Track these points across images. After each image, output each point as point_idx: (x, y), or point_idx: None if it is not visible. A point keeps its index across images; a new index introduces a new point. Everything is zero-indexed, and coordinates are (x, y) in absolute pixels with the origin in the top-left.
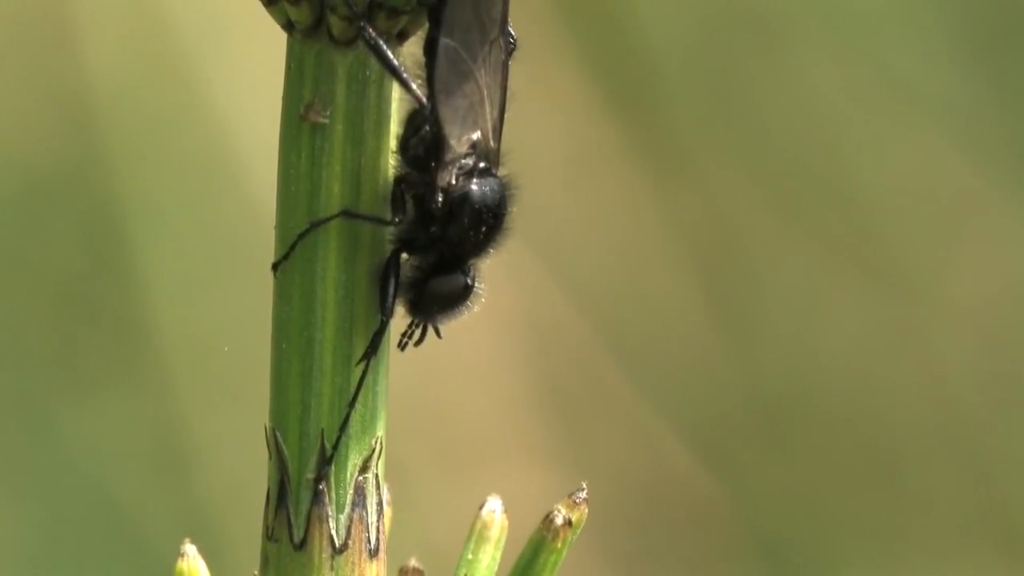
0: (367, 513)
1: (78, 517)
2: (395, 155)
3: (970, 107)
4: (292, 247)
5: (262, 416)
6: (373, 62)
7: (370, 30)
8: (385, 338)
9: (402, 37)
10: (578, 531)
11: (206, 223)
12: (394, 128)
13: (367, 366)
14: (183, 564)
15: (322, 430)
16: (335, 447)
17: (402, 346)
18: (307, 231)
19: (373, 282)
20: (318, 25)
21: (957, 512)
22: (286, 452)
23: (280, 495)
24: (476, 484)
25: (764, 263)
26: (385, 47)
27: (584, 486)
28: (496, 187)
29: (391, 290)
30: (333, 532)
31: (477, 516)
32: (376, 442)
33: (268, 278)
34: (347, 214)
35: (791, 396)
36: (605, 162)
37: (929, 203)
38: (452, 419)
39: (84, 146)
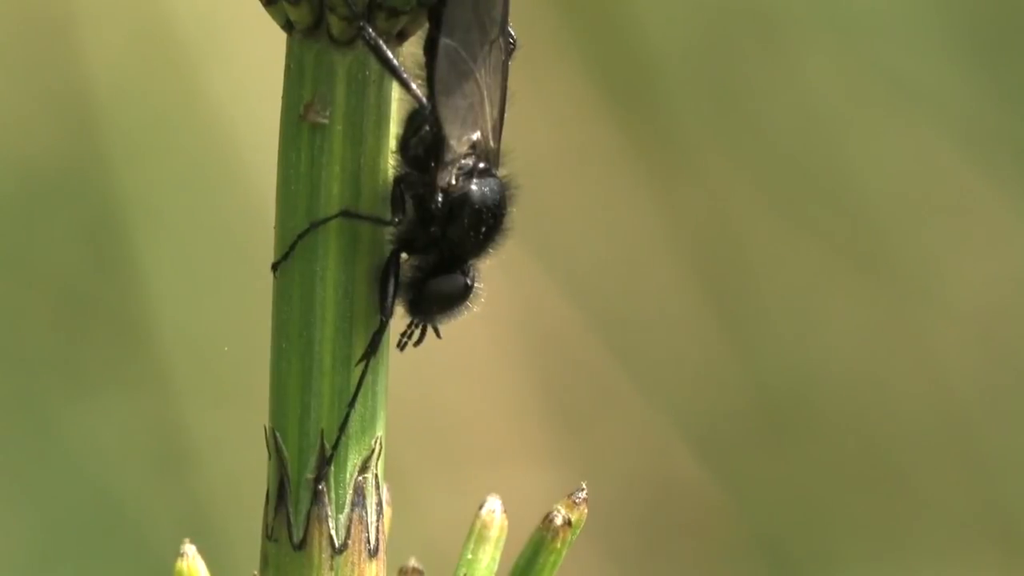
0: (367, 513)
1: (78, 517)
2: (395, 155)
3: (970, 107)
4: (292, 247)
5: (262, 416)
6: (373, 62)
7: (370, 30)
8: (385, 338)
9: (402, 37)
10: (578, 531)
11: (206, 223)
12: (394, 128)
13: (366, 366)
14: (183, 564)
15: (322, 430)
16: (335, 447)
17: (401, 346)
18: (307, 231)
19: (373, 282)
20: (318, 25)
21: (957, 512)
22: (286, 452)
23: (280, 495)
24: (476, 484)
25: (764, 262)
26: (385, 47)
27: (584, 486)
28: (496, 187)
29: (391, 290)
30: (333, 532)
31: (477, 516)
32: (376, 442)
33: (268, 278)
34: (347, 214)
35: (791, 395)
36: (605, 162)
37: (929, 202)
38: (452, 419)
39: (84, 146)
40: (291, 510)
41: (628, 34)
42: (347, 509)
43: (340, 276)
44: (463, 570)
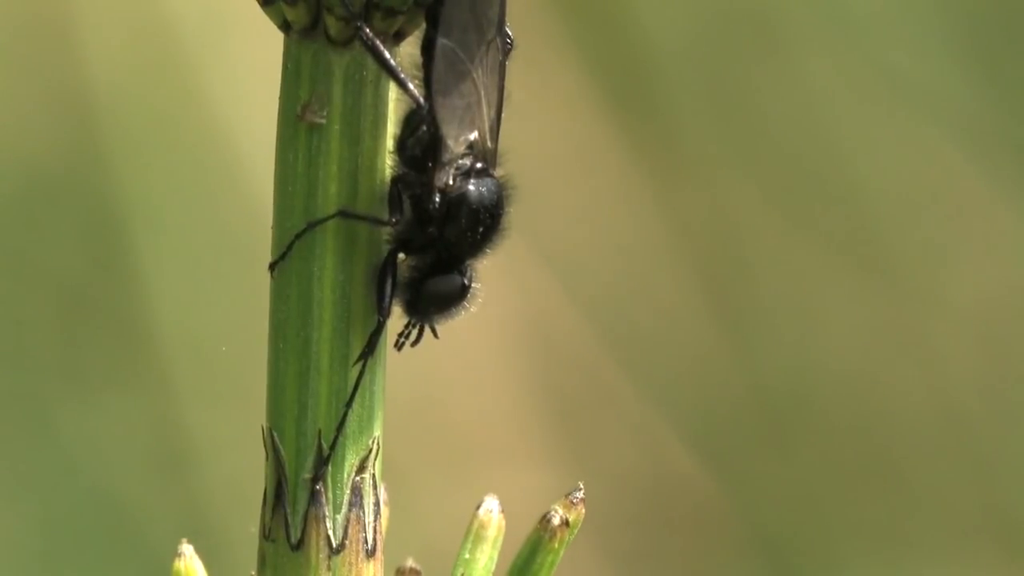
0: (364, 513)
1: (78, 517)
2: (392, 155)
3: (971, 106)
4: (289, 247)
5: (261, 416)
6: (370, 62)
7: (367, 30)
8: (382, 338)
9: (399, 37)
10: (575, 531)
11: (206, 223)
12: (391, 128)
13: (364, 366)
14: (180, 564)
15: (319, 430)
16: (332, 447)
17: (399, 346)
18: (304, 231)
19: (370, 282)
20: (315, 25)
21: (957, 512)
22: (283, 452)
23: (277, 495)
24: (474, 484)
25: (764, 262)
26: (382, 47)
27: (581, 486)
28: (493, 187)
29: (388, 290)
30: (330, 532)
31: (474, 516)
32: (373, 442)
33: (268, 278)
34: (344, 214)
35: (791, 395)
36: (605, 162)
37: (929, 202)
38: (450, 419)
39: (84, 146)
40: (288, 510)
41: (629, 34)
42: (344, 509)
43: (337, 276)
44: (460, 570)
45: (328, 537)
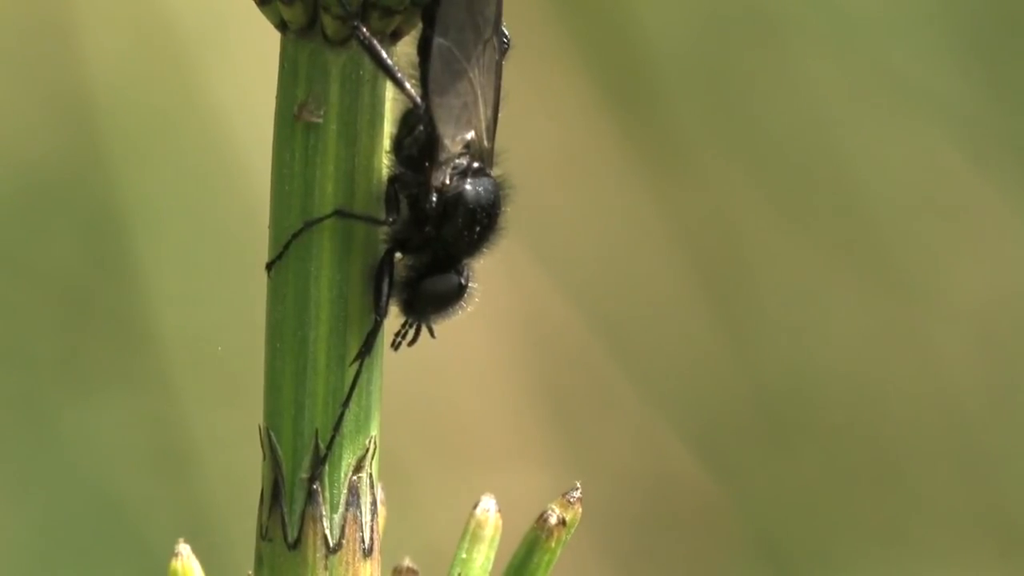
0: (361, 513)
1: (78, 516)
2: (389, 155)
3: (971, 107)
4: (286, 247)
5: (260, 416)
6: (367, 62)
7: (364, 30)
8: (379, 338)
9: (396, 37)
10: (572, 530)
11: (206, 223)
12: (388, 128)
13: (361, 366)
14: (177, 564)
15: (316, 430)
16: (329, 447)
17: (395, 346)
18: (301, 231)
19: (367, 282)
20: (312, 25)
21: (957, 512)
22: (280, 452)
23: (274, 495)
24: (472, 483)
25: (764, 262)
26: (379, 47)
27: (578, 485)
28: (490, 187)
29: (385, 290)
30: (327, 532)
31: (471, 515)
32: (370, 442)
33: (266, 277)
34: (341, 214)
35: (791, 395)
36: (604, 161)
37: (929, 203)
38: (448, 418)
39: (84, 146)
40: (286, 510)
41: (628, 34)
42: (341, 509)
43: (334, 276)
44: (457, 569)
45: (325, 536)
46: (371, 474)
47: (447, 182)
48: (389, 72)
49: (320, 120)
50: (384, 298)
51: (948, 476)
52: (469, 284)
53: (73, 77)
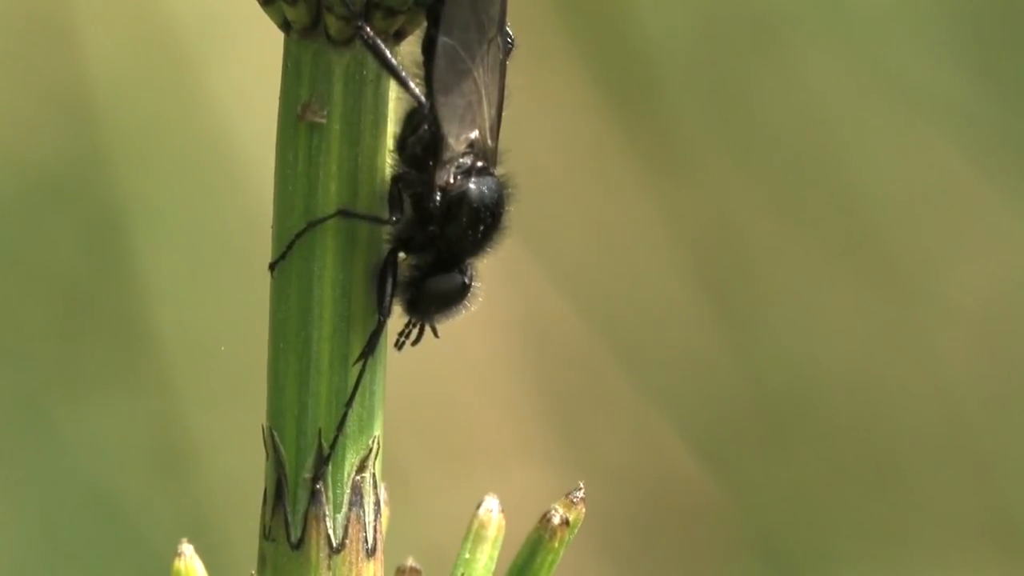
0: (364, 513)
1: (78, 516)
2: (392, 154)
3: (971, 107)
4: (289, 246)
5: (261, 415)
6: (370, 61)
7: (367, 29)
8: (382, 338)
9: (399, 36)
10: (575, 531)
11: (206, 223)
12: (391, 127)
13: (364, 366)
14: (180, 564)
15: (319, 430)
16: (332, 447)
17: (399, 346)
18: (304, 230)
19: (370, 281)
20: (315, 25)
21: (957, 512)
22: (283, 452)
23: (277, 495)
24: (474, 483)
25: (764, 262)
26: (383, 46)
27: (581, 485)
28: (494, 186)
29: (388, 289)
30: (330, 532)
31: (474, 515)
32: (373, 442)
33: (268, 278)
34: (344, 213)
35: (791, 395)
36: (605, 162)
37: (930, 202)
38: (450, 419)
39: (84, 146)
40: (289, 510)
41: (629, 34)
42: (345, 509)
43: (338, 275)
44: (460, 570)
45: (328, 536)
46: (374, 474)
47: (451, 181)
48: (393, 72)
49: (324, 120)
50: (387, 298)
51: (948, 476)
52: (473, 283)
53: (73, 77)
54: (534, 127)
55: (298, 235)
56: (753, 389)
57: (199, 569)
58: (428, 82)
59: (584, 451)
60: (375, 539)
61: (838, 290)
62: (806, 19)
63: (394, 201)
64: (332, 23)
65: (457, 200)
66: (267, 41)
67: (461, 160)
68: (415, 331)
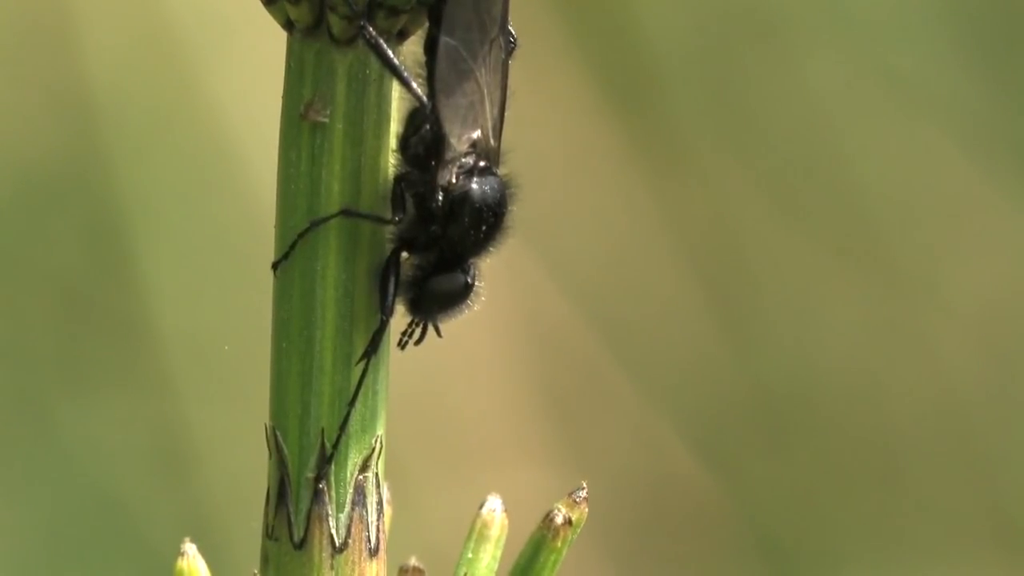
0: (367, 512)
1: (78, 516)
2: (395, 154)
3: (972, 106)
4: (292, 246)
5: (262, 415)
6: (373, 61)
7: (370, 29)
8: (385, 337)
9: (402, 36)
10: (578, 530)
11: (206, 222)
12: (394, 127)
13: (367, 365)
14: (183, 563)
15: (322, 429)
16: (335, 446)
17: (402, 345)
18: (307, 230)
19: (373, 281)
20: (318, 24)
21: (957, 512)
22: (286, 451)
23: (280, 494)
24: (476, 483)
25: (764, 261)
26: (385, 46)
27: (584, 485)
28: (497, 186)
29: (391, 289)
30: (333, 531)
31: (477, 515)
32: (376, 441)
33: (268, 277)
34: (347, 213)
35: (791, 395)
36: (606, 162)
37: (930, 202)
38: (452, 418)
39: (84, 146)
40: (292, 509)
41: (629, 34)
42: (347, 508)
43: (340, 275)
44: (464, 569)
45: (331, 536)
46: (377, 473)
47: (453, 181)
48: (396, 71)
49: (326, 119)
50: (390, 297)
51: (949, 476)
52: (475, 283)
53: (73, 77)
54: (536, 128)
55: (301, 234)
56: (753, 389)
57: (202, 569)
58: (430, 82)
59: (585, 451)
60: (378, 539)
61: (838, 289)
62: (806, 18)
63: (397, 201)
64: (335, 22)
65: (459, 200)
66: (267, 41)
67: (463, 160)
68: (418, 331)
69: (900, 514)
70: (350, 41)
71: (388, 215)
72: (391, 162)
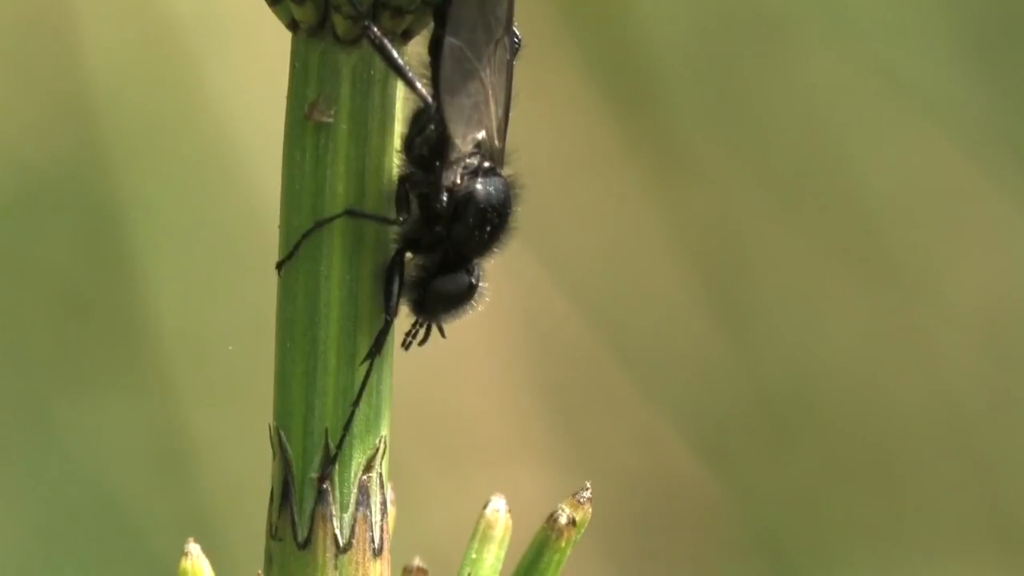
0: (371, 512)
1: (78, 516)
2: (399, 154)
3: (973, 106)
4: (296, 246)
5: (263, 415)
6: (377, 61)
7: (375, 29)
8: (389, 337)
9: (406, 36)
10: (582, 530)
11: (207, 222)
12: (398, 127)
13: (371, 365)
14: (187, 563)
15: (326, 429)
16: (339, 446)
17: (406, 345)
18: (311, 230)
19: (377, 281)
20: (322, 24)
21: (958, 513)
22: (290, 451)
23: (284, 494)
24: (479, 484)
25: (765, 262)
26: (390, 46)
27: (588, 486)
28: (501, 186)
29: (395, 289)
30: (337, 531)
31: (481, 515)
32: (380, 441)
33: (269, 278)
34: (351, 213)
35: (792, 395)
36: (605, 162)
37: (931, 202)
38: (455, 419)
39: (84, 146)
40: (295, 509)
41: (631, 35)
42: (351, 508)
43: (345, 275)
44: (467, 569)
45: (335, 536)
46: (381, 473)
47: (458, 181)
48: (400, 72)
49: (331, 120)
50: (394, 297)
51: (949, 476)
52: (479, 284)
53: (73, 77)
54: (538, 129)
55: (305, 235)
56: (754, 389)
57: (206, 568)
58: (435, 82)
59: (587, 452)
60: (382, 539)
61: (839, 291)
62: (808, 20)
63: (401, 201)
64: (339, 23)
65: (464, 200)
66: (267, 41)
67: (468, 160)
68: (422, 331)
69: (900, 514)
70: (354, 41)
71: (392, 215)
72: (395, 163)
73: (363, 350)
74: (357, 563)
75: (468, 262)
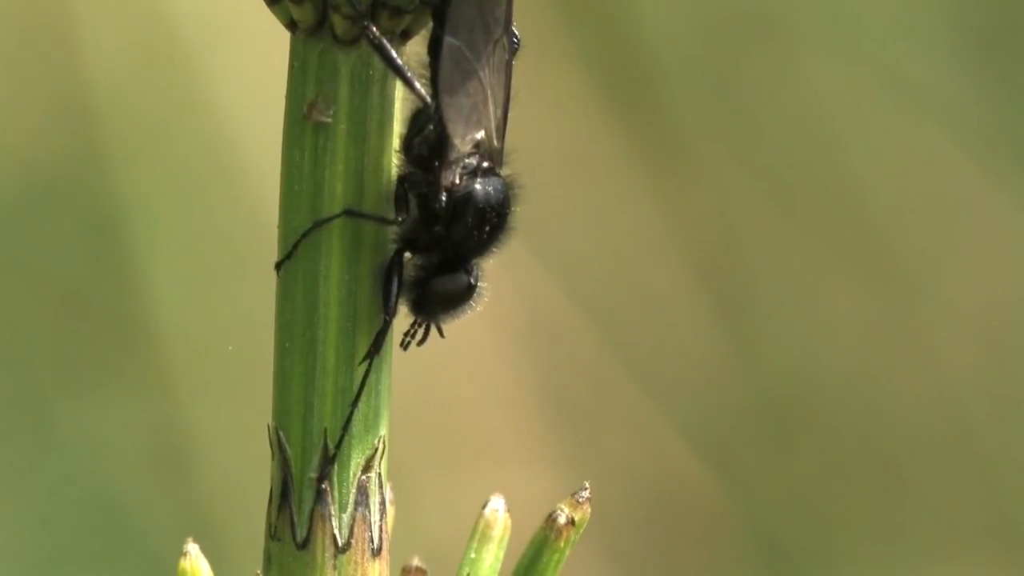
0: (370, 512)
1: (78, 516)
2: (398, 154)
3: (973, 106)
4: (295, 246)
5: (262, 415)
6: (376, 61)
7: (373, 29)
8: (388, 337)
9: (405, 36)
10: (581, 530)
11: (207, 222)
12: (397, 127)
13: (370, 365)
14: (186, 563)
15: (325, 429)
16: (338, 446)
17: (405, 345)
18: (310, 230)
19: (376, 281)
20: (321, 24)
21: (957, 512)
22: (289, 451)
23: (283, 494)
24: (478, 484)
25: (766, 263)
26: (389, 46)
27: (587, 485)
28: (500, 186)
29: (394, 289)
30: (336, 531)
31: (480, 515)
32: (379, 441)
33: (269, 278)
34: (350, 213)
35: (793, 396)
36: (608, 163)
37: (931, 202)
38: (455, 419)
39: (84, 146)
40: (294, 509)
41: (631, 35)
42: (350, 508)
43: (344, 275)
44: (466, 569)
45: (334, 536)
46: (380, 473)
47: (457, 182)
48: (399, 72)
49: (330, 120)
50: (393, 298)
51: (950, 477)
52: (478, 284)
53: (73, 78)
54: (538, 130)
55: (304, 235)
56: (756, 390)
57: (204, 568)
58: (434, 83)
59: (588, 453)
60: (380, 539)
61: (840, 291)
62: (807, 19)
63: (400, 201)
64: (338, 22)
65: (463, 200)
66: (266, 41)
67: (467, 161)
68: (420, 331)
69: (901, 514)
70: (353, 41)
71: (391, 216)
72: (394, 163)
73: (362, 350)
74: (356, 563)
75: (467, 262)
